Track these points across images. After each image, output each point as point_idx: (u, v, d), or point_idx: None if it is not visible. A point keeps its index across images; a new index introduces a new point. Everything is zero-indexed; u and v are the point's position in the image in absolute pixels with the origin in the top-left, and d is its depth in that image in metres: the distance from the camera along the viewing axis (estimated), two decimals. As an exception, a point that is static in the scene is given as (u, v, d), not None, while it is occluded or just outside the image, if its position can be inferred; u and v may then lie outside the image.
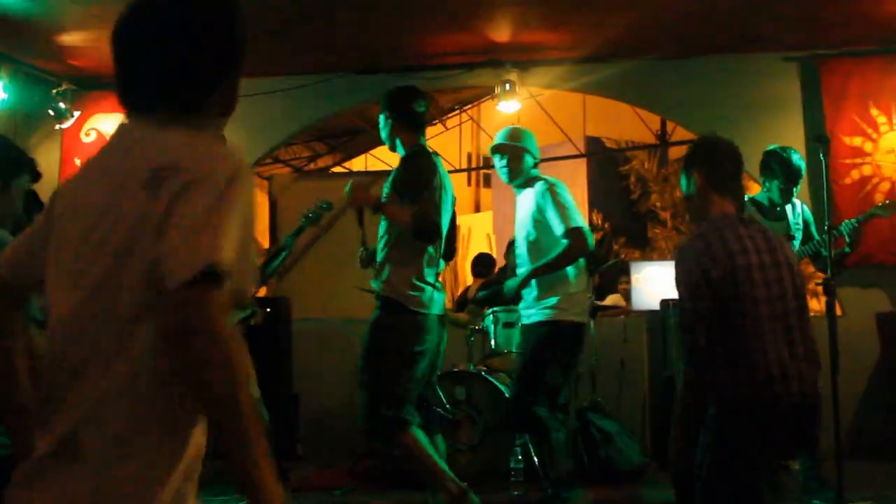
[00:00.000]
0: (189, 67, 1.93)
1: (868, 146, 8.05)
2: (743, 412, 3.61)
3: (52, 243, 1.91)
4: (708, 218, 3.83)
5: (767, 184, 6.28)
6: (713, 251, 3.64)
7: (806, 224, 6.37)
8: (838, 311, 6.52)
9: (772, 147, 6.34)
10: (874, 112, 8.07)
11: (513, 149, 5.92)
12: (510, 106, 8.91)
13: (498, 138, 6.02)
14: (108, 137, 7.57)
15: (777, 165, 6.24)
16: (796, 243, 6.25)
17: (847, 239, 6.19)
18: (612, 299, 9.59)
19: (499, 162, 5.99)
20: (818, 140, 6.35)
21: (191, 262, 1.66)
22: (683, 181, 4.07)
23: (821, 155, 5.91)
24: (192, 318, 1.66)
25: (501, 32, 8.05)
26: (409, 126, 5.48)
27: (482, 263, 10.02)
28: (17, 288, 2.04)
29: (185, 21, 1.94)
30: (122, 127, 1.99)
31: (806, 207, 6.48)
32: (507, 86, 8.55)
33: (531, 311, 5.81)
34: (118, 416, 1.76)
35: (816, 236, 6.28)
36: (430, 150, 5.52)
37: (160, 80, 1.93)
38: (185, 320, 1.66)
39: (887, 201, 6.73)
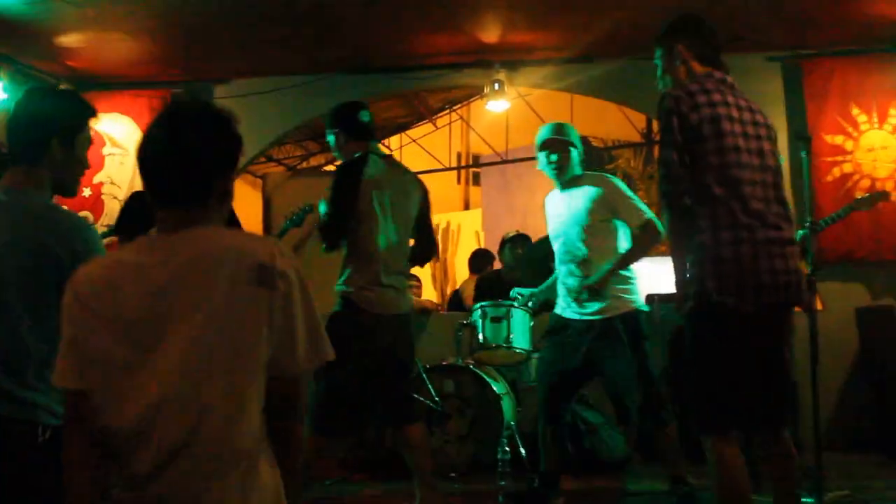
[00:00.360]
0: (209, 171, 2.40)
1: (849, 144, 8.10)
2: (725, 268, 3.60)
3: (130, 337, 2.29)
4: (692, 78, 3.83)
5: None
6: (695, 99, 3.62)
7: None
8: (819, 306, 6.57)
9: None
10: (855, 111, 8.11)
11: (561, 143, 5.87)
12: (499, 105, 8.94)
13: (545, 133, 5.95)
14: (103, 137, 7.44)
15: None
16: None
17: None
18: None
19: (545, 158, 5.89)
20: (800, 138, 6.39)
21: (314, 358, 2.43)
22: (659, 54, 4.03)
23: (803, 153, 5.93)
24: (303, 394, 2.47)
25: (490, 33, 8.07)
26: (357, 137, 5.48)
27: (480, 259, 10.01)
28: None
29: (207, 138, 2.40)
30: (169, 237, 2.36)
31: None
32: (496, 85, 8.56)
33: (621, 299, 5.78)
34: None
35: None
36: (360, 158, 5.43)
37: (188, 182, 2.37)
38: (300, 395, 2.45)
39: (866, 195, 6.75)
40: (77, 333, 2.33)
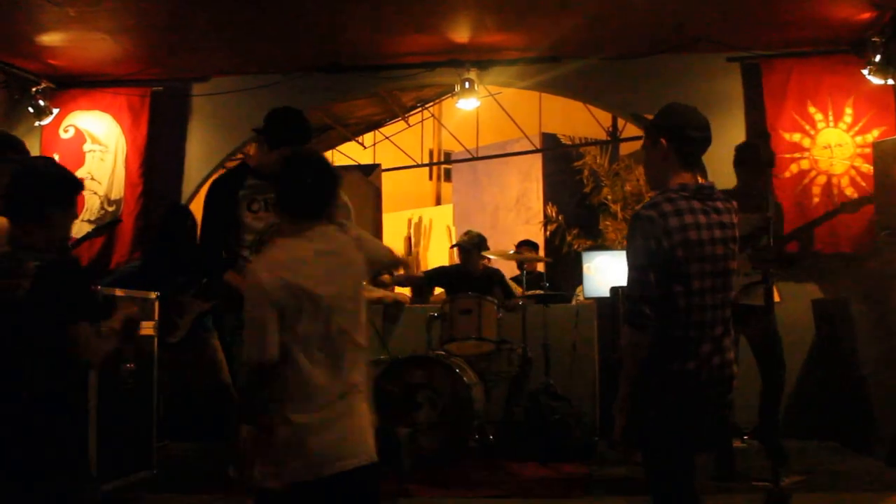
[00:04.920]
0: None
1: (806, 142, 8.15)
2: (672, 390, 3.37)
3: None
4: (666, 188, 3.49)
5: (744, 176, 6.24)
6: (668, 223, 3.33)
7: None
8: (777, 298, 6.60)
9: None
10: (812, 110, 8.17)
11: None
12: (470, 103, 8.93)
13: None
14: (84, 134, 7.50)
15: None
16: None
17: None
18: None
19: None
20: (759, 136, 6.43)
21: None
22: (647, 144, 3.63)
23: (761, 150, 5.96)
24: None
25: (461, 34, 8.07)
26: None
27: None
28: None
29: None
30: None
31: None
32: (467, 84, 8.57)
33: None
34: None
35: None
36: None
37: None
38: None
39: (855, 198, 6.85)
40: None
